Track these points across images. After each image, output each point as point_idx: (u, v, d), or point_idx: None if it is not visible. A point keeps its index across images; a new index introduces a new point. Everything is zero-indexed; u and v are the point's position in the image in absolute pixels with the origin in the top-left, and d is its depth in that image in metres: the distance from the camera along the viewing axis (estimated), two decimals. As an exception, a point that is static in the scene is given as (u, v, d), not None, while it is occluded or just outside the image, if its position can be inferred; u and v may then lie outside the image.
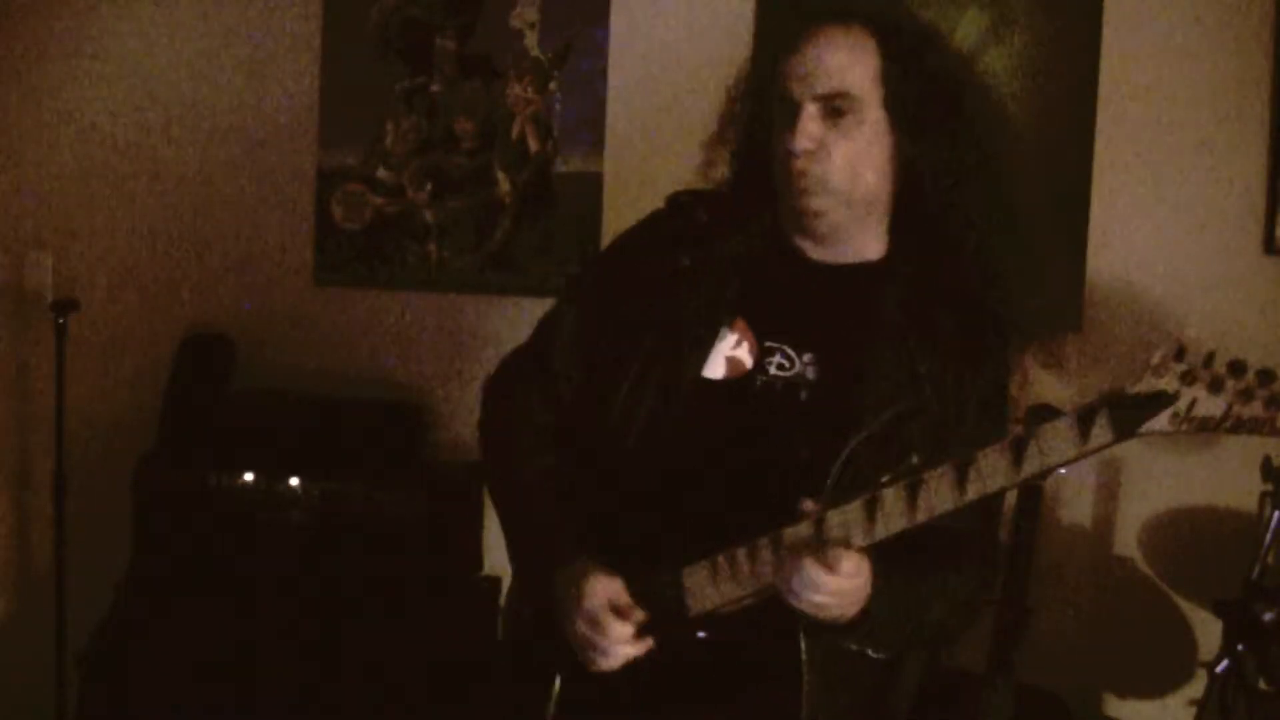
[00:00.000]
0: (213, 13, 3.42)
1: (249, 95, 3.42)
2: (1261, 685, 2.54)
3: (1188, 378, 1.33)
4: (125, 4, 3.47)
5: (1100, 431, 1.37)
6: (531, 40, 3.24)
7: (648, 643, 1.61)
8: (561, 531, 1.70)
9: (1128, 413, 1.36)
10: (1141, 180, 2.87)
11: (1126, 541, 2.91)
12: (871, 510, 1.48)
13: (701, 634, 1.62)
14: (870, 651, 1.63)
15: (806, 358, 1.68)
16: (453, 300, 3.32)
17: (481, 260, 3.30)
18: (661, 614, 1.62)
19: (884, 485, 1.48)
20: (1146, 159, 2.87)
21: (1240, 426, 1.32)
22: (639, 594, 1.63)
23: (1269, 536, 2.48)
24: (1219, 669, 2.48)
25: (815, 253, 1.72)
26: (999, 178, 1.71)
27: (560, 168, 3.25)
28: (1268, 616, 2.44)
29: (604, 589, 1.61)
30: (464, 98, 3.30)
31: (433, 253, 3.33)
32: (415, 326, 3.35)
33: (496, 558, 3.25)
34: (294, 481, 3.01)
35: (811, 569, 1.48)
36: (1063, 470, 1.45)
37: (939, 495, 1.45)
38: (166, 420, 3.26)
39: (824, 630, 1.56)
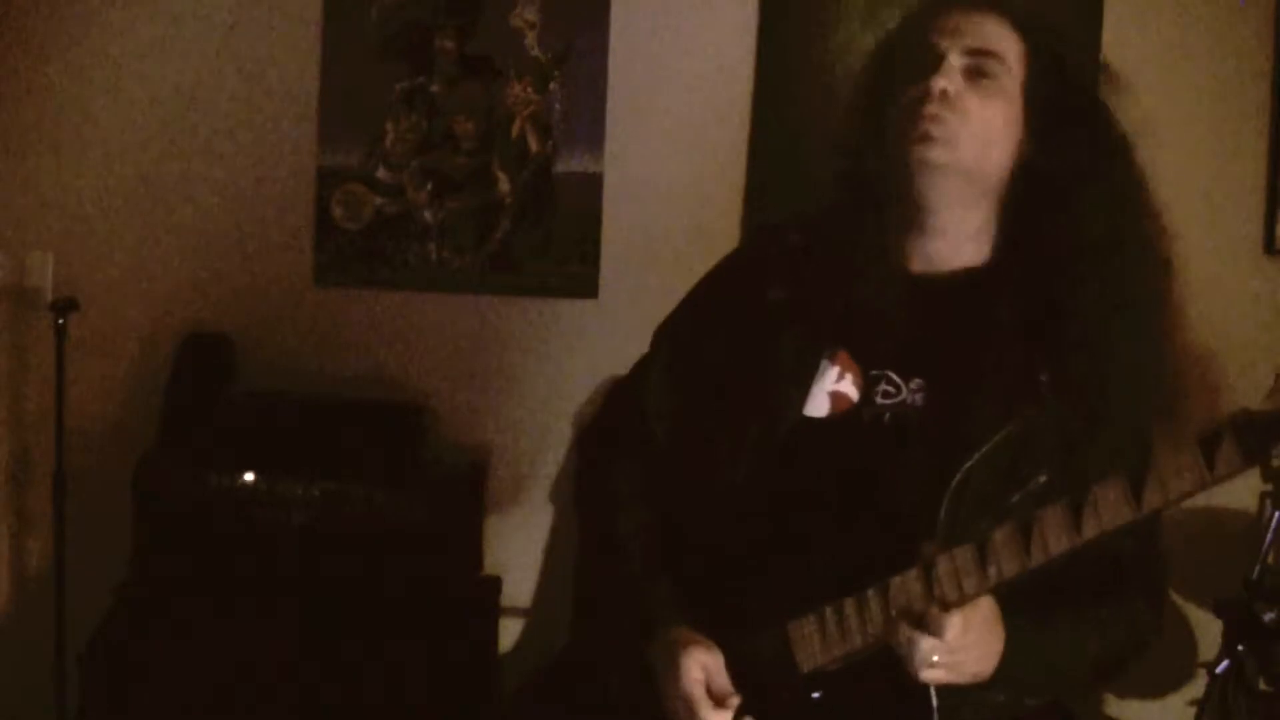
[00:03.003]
0: (213, 13, 3.42)
1: (249, 95, 3.41)
2: (1261, 685, 2.54)
3: None
4: (125, 5, 3.47)
5: (1228, 458, 1.26)
6: (531, 40, 3.24)
7: None
8: (656, 594, 1.61)
9: (1256, 434, 1.26)
10: (1141, 180, 2.87)
11: (1126, 541, 2.91)
12: (983, 555, 1.38)
13: (816, 694, 1.51)
14: (1027, 700, 1.53)
15: (915, 384, 1.56)
16: (453, 300, 3.32)
17: (481, 260, 3.30)
18: (768, 674, 1.51)
19: (995, 528, 1.39)
20: (1146, 159, 2.87)
21: None
22: (743, 656, 1.53)
23: (1269, 536, 2.48)
24: (1219, 669, 2.48)
25: (919, 261, 1.60)
26: (1123, 202, 1.59)
27: (560, 168, 3.25)
28: (1268, 616, 2.44)
29: (699, 666, 1.51)
30: (464, 98, 3.29)
31: (433, 253, 3.33)
32: (415, 326, 3.35)
33: (496, 558, 3.25)
34: (294, 482, 3.01)
35: (918, 641, 1.39)
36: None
37: (1054, 537, 1.35)
38: (166, 420, 3.26)
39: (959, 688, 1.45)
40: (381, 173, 3.35)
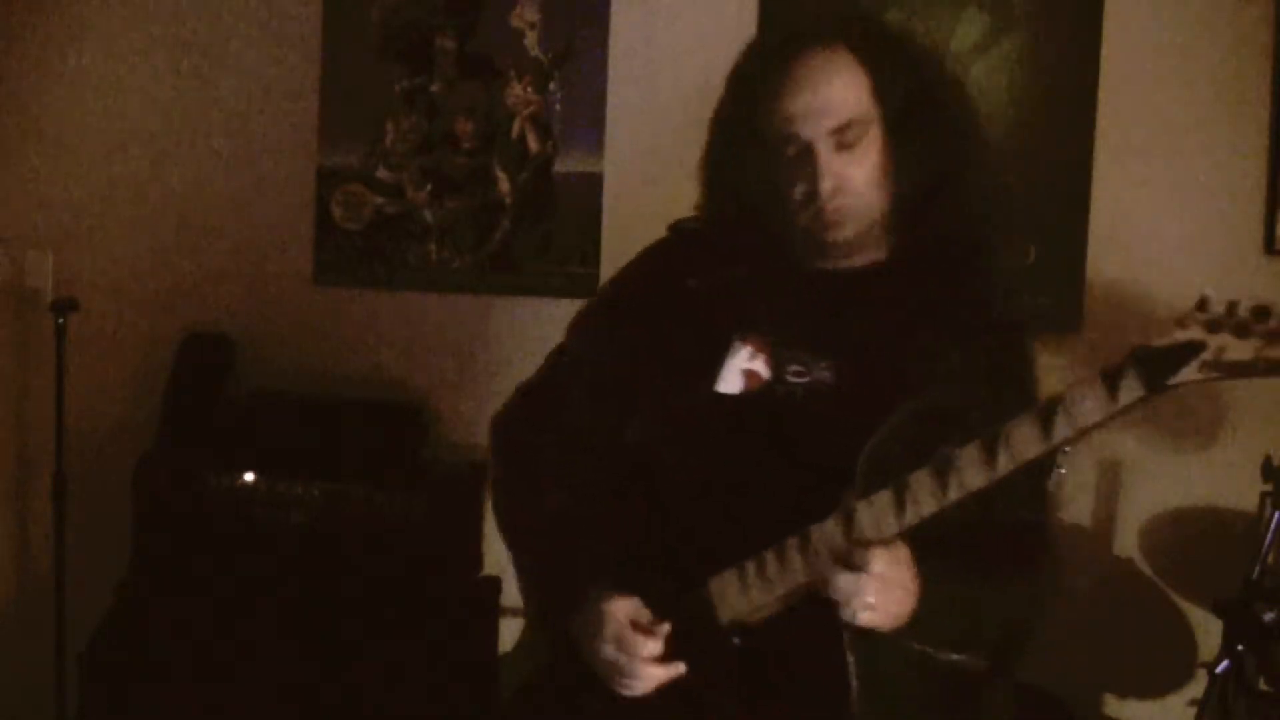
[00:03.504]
0: (213, 13, 3.42)
1: (249, 95, 3.42)
2: (1261, 685, 2.54)
3: (1213, 326, 1.34)
4: (125, 4, 3.47)
5: (1130, 387, 1.34)
6: (531, 40, 3.24)
7: (678, 667, 1.57)
8: (578, 567, 1.67)
9: (1156, 365, 1.34)
10: (1142, 180, 2.87)
11: (1126, 541, 2.91)
12: (900, 496, 1.45)
13: (736, 639, 1.58)
14: (932, 651, 1.57)
15: (823, 364, 1.63)
16: (453, 300, 3.32)
17: (481, 260, 3.30)
18: (690, 627, 1.58)
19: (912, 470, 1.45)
20: (1147, 159, 2.87)
21: (1273, 369, 1.32)
22: (663, 609, 1.59)
23: (1269, 536, 2.48)
24: (1219, 669, 2.48)
25: (824, 264, 1.69)
26: (985, 167, 1.71)
27: (560, 168, 3.25)
28: (1268, 616, 2.44)
29: (623, 608, 1.59)
30: (464, 98, 3.30)
31: (433, 253, 3.33)
32: (415, 326, 3.35)
33: (496, 558, 3.25)
34: (294, 482, 3.01)
35: (845, 578, 1.44)
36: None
37: (969, 472, 1.42)
38: (166, 420, 3.26)
39: (873, 634, 1.50)
40: (381, 173, 3.35)
